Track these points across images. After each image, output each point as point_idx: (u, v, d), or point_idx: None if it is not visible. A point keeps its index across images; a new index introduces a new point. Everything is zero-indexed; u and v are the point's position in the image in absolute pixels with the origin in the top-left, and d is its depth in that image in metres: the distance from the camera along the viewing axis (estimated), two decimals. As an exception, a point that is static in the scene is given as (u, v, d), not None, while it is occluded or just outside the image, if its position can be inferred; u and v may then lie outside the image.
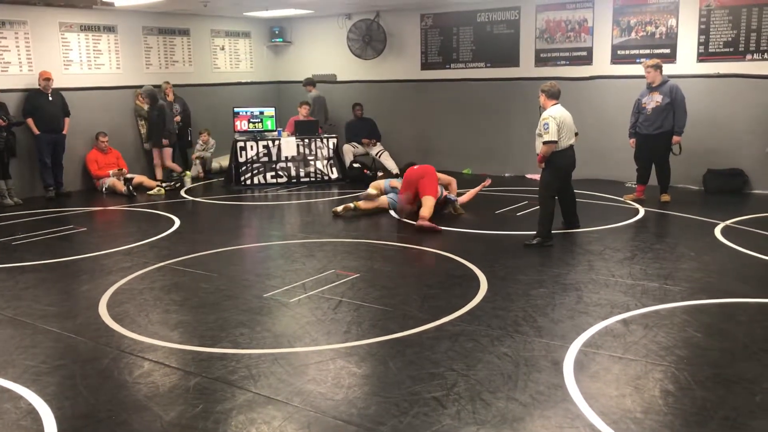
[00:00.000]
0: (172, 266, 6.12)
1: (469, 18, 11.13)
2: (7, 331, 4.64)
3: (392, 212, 8.14)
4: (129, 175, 10.31)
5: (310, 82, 12.19)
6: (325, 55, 12.85)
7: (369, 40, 11.93)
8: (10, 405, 3.55)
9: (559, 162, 6.60)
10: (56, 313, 4.97)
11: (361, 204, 8.15)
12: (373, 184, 8.63)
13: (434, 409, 3.39)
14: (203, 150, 11.62)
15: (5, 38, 9.64)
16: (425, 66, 11.78)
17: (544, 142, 6.50)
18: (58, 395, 3.65)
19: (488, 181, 8.69)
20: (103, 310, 4.98)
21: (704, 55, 9.22)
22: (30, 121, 9.55)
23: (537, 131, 6.68)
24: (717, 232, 6.91)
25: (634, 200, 8.55)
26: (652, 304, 4.82)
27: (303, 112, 11.41)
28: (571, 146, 6.73)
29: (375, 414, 3.36)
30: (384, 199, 8.33)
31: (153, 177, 10.79)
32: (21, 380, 3.83)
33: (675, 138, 8.25)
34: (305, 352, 4.13)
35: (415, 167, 7.99)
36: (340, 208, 8.11)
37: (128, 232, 7.71)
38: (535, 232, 6.62)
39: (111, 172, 10.20)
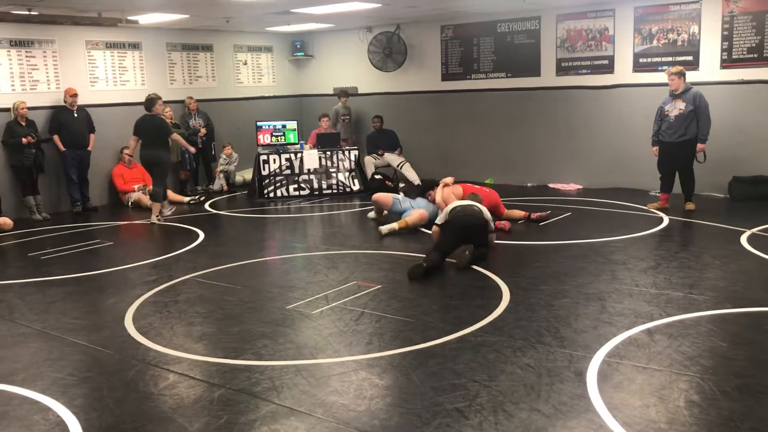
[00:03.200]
0: (197, 279, 6.18)
1: (489, 28, 11.15)
2: (36, 343, 4.73)
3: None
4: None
5: (344, 94, 12.30)
6: (347, 68, 12.94)
7: (390, 52, 12.00)
8: (39, 417, 3.62)
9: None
10: (83, 326, 5.05)
11: (405, 222, 7.84)
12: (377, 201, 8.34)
13: (456, 420, 3.38)
14: (226, 164, 11.74)
15: (34, 57, 9.86)
16: (446, 77, 11.81)
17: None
18: (86, 407, 3.71)
19: (545, 213, 8.13)
20: (129, 322, 5.05)
21: (728, 62, 9.13)
22: (56, 138, 9.74)
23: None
24: (743, 240, 6.82)
25: (658, 209, 8.48)
26: (677, 314, 4.77)
27: (324, 125, 11.50)
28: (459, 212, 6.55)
29: (397, 425, 3.36)
30: (423, 213, 7.99)
31: (177, 191, 10.95)
32: (49, 392, 3.90)
33: (699, 146, 8.19)
34: (328, 364, 4.15)
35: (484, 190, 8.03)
36: (385, 229, 7.67)
37: (153, 245, 7.81)
38: (541, 242, 6.60)
39: (136, 186, 10.34)
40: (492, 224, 6.69)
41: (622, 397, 3.56)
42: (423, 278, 5.86)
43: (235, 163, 11.88)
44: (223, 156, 11.72)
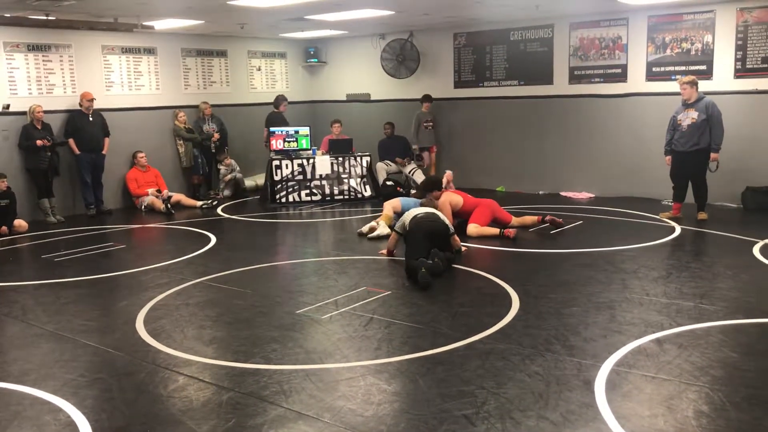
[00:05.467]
0: (208, 283, 6.22)
1: (502, 36, 11.16)
2: (48, 345, 4.78)
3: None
4: (168, 194, 10.50)
5: (427, 99, 11.71)
6: (360, 75, 12.99)
7: (402, 59, 12.04)
8: (50, 417, 3.65)
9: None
10: (95, 328, 5.10)
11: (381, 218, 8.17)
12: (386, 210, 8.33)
13: (464, 427, 3.39)
14: (230, 172, 11.64)
15: (50, 61, 9.97)
16: (458, 84, 11.82)
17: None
18: (96, 408, 3.75)
19: (559, 220, 8.15)
20: (140, 325, 5.09)
21: (741, 71, 9.09)
22: (71, 142, 9.83)
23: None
24: (755, 250, 6.78)
25: (670, 218, 8.44)
26: (687, 324, 4.75)
27: (336, 131, 11.54)
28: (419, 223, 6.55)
29: (404, 431, 3.37)
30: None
31: (190, 195, 11.03)
32: (60, 393, 3.94)
33: (713, 155, 8.15)
34: (336, 369, 4.16)
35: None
36: (365, 229, 8.03)
37: (166, 249, 7.86)
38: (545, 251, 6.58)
39: (149, 190, 10.41)
40: (452, 228, 6.79)
41: (631, 407, 3.55)
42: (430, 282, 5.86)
43: (238, 169, 11.76)
44: (222, 168, 11.62)
